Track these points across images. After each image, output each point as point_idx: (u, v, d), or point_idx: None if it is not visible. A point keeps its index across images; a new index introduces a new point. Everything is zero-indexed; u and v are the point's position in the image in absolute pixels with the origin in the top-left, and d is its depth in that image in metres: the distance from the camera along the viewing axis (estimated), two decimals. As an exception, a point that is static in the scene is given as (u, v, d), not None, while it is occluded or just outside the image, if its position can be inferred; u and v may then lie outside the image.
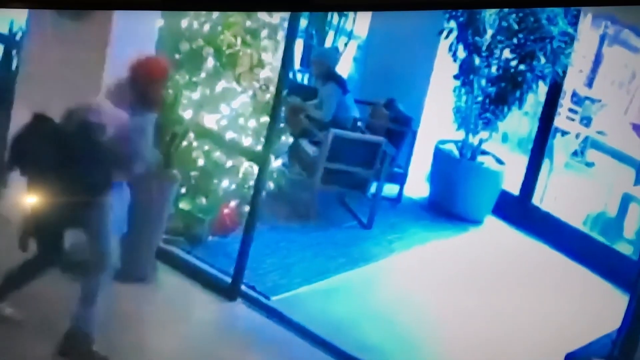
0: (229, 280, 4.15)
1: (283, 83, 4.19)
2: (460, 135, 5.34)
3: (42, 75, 4.21)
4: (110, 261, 3.54)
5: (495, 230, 5.28)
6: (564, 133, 5.80)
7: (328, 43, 5.97)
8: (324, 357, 3.81)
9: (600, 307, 4.37)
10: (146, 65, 3.64)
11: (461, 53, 5.04)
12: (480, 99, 5.12)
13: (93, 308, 3.46)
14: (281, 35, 4.48)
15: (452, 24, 4.97)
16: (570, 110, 5.92)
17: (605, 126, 5.88)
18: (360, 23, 5.86)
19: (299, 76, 6.03)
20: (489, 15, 4.88)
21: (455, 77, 5.15)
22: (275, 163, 4.55)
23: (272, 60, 4.48)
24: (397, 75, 5.38)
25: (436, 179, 5.48)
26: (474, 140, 5.29)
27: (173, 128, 4.23)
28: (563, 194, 5.50)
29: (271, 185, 4.50)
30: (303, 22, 5.35)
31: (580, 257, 4.97)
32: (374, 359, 3.82)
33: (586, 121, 5.92)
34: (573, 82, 5.72)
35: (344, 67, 5.90)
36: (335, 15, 5.73)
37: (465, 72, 5.07)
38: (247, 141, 4.53)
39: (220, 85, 4.44)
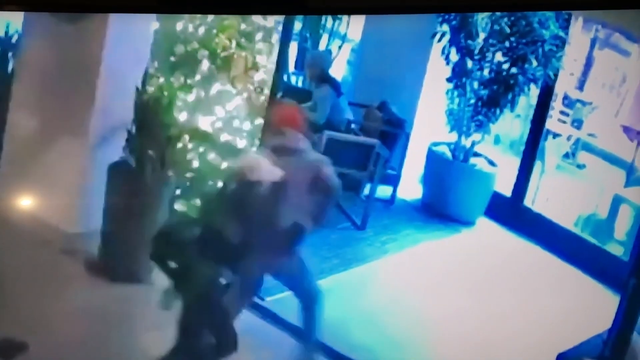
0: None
1: (277, 85, 4.23)
2: (452, 137, 5.37)
3: (38, 78, 4.22)
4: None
5: (487, 232, 5.31)
6: (555, 135, 5.83)
7: (322, 46, 6.00)
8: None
9: (592, 308, 4.40)
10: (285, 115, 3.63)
11: (454, 56, 5.07)
12: (472, 101, 5.16)
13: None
14: (275, 38, 4.51)
15: (445, 27, 5.00)
16: (562, 112, 5.94)
17: (596, 128, 5.90)
18: (354, 26, 5.88)
19: (293, 79, 6.06)
20: (482, 19, 4.92)
21: (448, 79, 5.18)
22: (270, 165, 4.56)
23: (267, 62, 4.52)
24: (391, 77, 5.41)
25: (429, 180, 5.51)
26: (466, 142, 5.32)
27: (168, 130, 4.26)
28: (555, 195, 5.53)
29: (265, 187, 4.52)
30: (297, 25, 5.38)
31: (571, 258, 5.00)
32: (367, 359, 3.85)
33: (577, 123, 5.94)
34: (564, 85, 5.76)
35: (338, 70, 5.92)
36: (329, 18, 5.76)
37: (458, 75, 5.10)
38: (241, 143, 4.55)
39: (215, 88, 4.47)
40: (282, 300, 4.16)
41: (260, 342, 3.89)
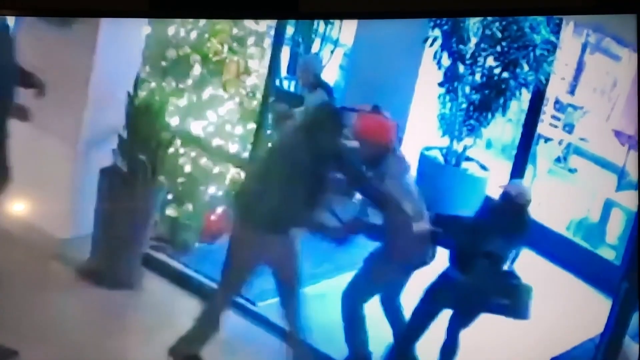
0: (215, 286, 4.16)
1: (269, 90, 4.23)
2: (445, 141, 5.38)
3: (29, 82, 4.20)
4: None
5: (479, 236, 5.31)
6: (547, 139, 5.86)
7: (314, 50, 6.00)
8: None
9: (584, 312, 4.42)
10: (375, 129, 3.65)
11: (446, 61, 5.09)
12: (464, 106, 5.17)
13: None
14: (268, 42, 4.52)
15: (437, 32, 5.01)
16: (553, 117, 5.97)
17: (588, 133, 5.93)
18: (346, 31, 5.89)
19: (285, 83, 6.06)
20: (473, 24, 4.93)
21: (440, 84, 5.19)
22: (262, 169, 4.56)
23: (259, 67, 4.52)
24: (383, 82, 5.41)
25: (421, 185, 5.50)
26: (458, 146, 5.34)
27: (160, 135, 4.25)
28: (546, 199, 5.54)
29: (258, 191, 4.51)
30: (289, 30, 5.38)
31: (563, 262, 5.02)
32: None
33: (569, 128, 5.97)
34: (555, 89, 5.78)
35: (331, 75, 5.93)
36: (322, 23, 5.76)
37: (450, 80, 5.11)
38: (233, 148, 4.55)
39: (207, 92, 4.46)
40: (274, 305, 4.16)
41: (253, 346, 3.88)
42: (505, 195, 3.83)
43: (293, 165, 3.46)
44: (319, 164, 3.50)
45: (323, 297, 4.28)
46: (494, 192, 5.45)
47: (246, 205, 3.62)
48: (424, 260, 3.81)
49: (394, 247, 3.71)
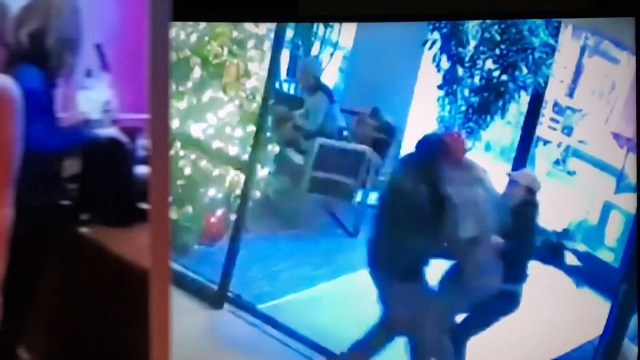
0: (215, 288, 4.17)
1: (269, 93, 4.24)
2: (444, 144, 5.39)
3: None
4: None
5: (478, 238, 5.30)
6: (545, 142, 5.86)
7: (314, 53, 6.01)
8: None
9: (583, 314, 4.42)
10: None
11: (445, 64, 5.10)
12: (463, 108, 5.18)
13: None
14: (267, 45, 4.53)
15: (436, 35, 5.02)
16: (552, 119, 5.97)
17: (587, 135, 5.93)
18: (346, 34, 5.90)
19: (285, 86, 6.07)
20: (472, 27, 4.94)
21: (439, 87, 5.21)
22: (262, 172, 4.58)
23: (259, 70, 4.53)
24: (382, 85, 5.43)
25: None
26: (457, 149, 5.34)
27: (160, 137, 4.25)
28: (545, 202, 5.55)
29: (257, 194, 4.53)
30: (289, 33, 5.39)
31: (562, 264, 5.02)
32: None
33: (567, 130, 5.97)
34: (554, 92, 5.78)
35: (330, 77, 5.94)
36: (321, 26, 5.77)
37: (449, 83, 5.12)
38: (233, 150, 4.56)
39: (207, 95, 4.47)
40: (273, 307, 4.17)
41: (252, 348, 3.88)
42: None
43: (413, 206, 3.55)
44: (432, 195, 3.59)
45: (321, 300, 4.29)
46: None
47: (383, 258, 3.68)
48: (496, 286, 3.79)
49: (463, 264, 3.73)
